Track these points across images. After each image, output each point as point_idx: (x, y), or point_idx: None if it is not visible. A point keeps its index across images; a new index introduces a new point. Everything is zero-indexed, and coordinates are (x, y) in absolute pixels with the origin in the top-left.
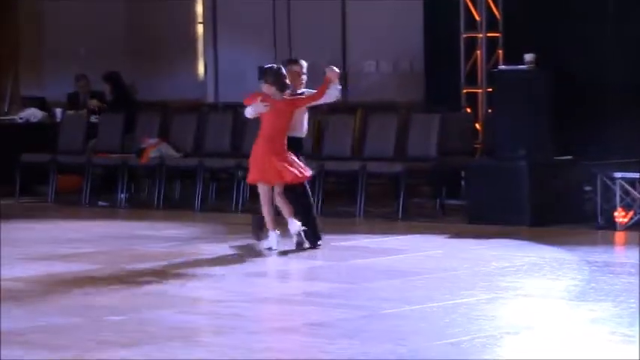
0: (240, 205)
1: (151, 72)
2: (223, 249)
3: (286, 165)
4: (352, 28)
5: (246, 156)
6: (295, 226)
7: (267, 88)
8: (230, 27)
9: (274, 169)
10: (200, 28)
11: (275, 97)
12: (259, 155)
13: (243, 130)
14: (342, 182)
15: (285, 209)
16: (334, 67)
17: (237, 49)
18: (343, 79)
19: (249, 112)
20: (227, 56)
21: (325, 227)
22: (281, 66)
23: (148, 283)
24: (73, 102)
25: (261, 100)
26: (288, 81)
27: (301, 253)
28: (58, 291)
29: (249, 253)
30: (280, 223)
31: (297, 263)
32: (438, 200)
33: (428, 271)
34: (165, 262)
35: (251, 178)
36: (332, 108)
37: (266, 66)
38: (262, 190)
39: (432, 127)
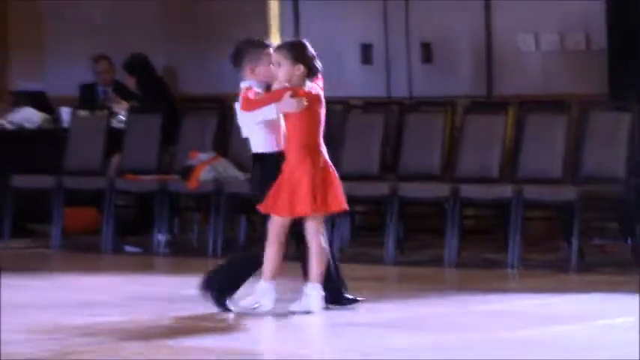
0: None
1: (202, 56)
2: (308, 318)
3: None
4: None
5: (343, 177)
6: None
7: (298, 71)
8: None
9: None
10: None
11: (310, 89)
12: (319, 177)
13: (340, 137)
14: (485, 216)
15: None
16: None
17: (329, 22)
18: (486, 61)
19: (270, 113)
20: (314, 33)
21: (463, 282)
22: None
23: None
24: (87, 98)
25: (293, 96)
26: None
27: (420, 323)
28: None
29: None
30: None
31: (421, 336)
32: (629, 241)
33: (616, 348)
34: (224, 337)
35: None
36: (469, 107)
37: (288, 41)
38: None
39: (619, 132)
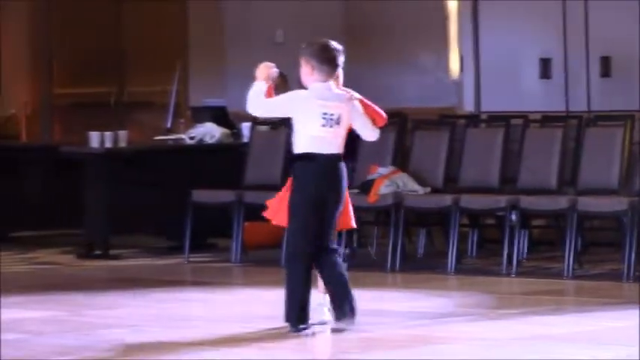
0: (514, 263)
1: (380, 70)
2: (488, 330)
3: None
4: None
5: (522, 191)
6: None
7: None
8: (498, 2)
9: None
10: (453, 2)
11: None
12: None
13: (517, 154)
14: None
15: None
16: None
17: (508, 36)
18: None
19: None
20: (493, 48)
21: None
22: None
23: None
24: None
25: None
26: None
27: (598, 337)
28: None
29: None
30: None
31: (599, 350)
32: None
33: None
34: (404, 350)
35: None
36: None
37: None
38: None
39: None
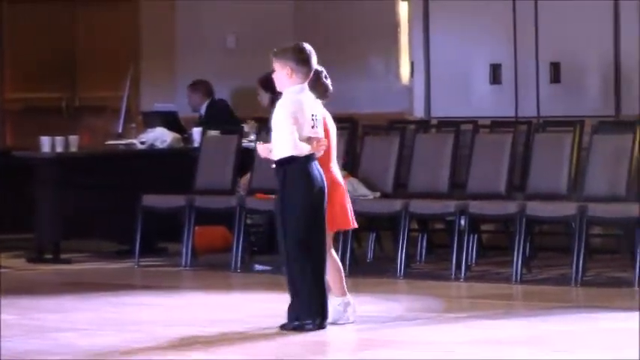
0: (463, 268)
1: (335, 76)
2: (437, 334)
3: None
4: (626, 8)
5: (471, 196)
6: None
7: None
8: (449, 8)
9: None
10: (404, 7)
11: None
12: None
13: (467, 159)
14: (612, 234)
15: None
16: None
17: (459, 43)
18: (614, 81)
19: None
20: (444, 54)
21: (589, 301)
22: None
23: None
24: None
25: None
26: None
27: (545, 340)
28: None
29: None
30: None
31: (546, 354)
32: None
33: None
34: (353, 354)
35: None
36: (596, 127)
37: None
38: None
39: None
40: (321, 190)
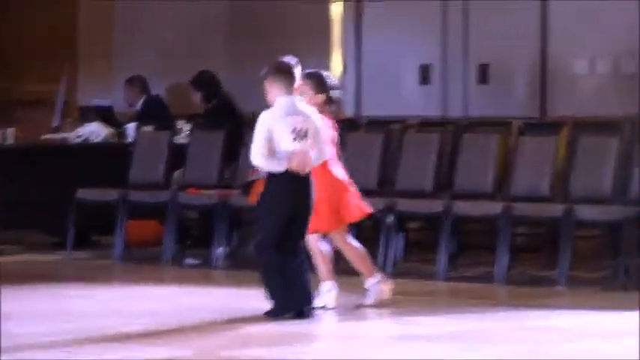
0: (390, 265)
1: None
2: (358, 329)
3: None
4: (555, 13)
5: (399, 194)
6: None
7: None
8: (381, 9)
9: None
10: (337, 8)
11: None
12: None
13: (395, 157)
14: (536, 233)
15: None
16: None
17: (388, 43)
18: (540, 84)
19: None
20: (374, 53)
21: (513, 298)
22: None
23: None
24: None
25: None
26: None
27: (469, 337)
28: None
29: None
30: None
31: (470, 350)
32: None
33: None
34: (278, 347)
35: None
36: (523, 128)
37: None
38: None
39: None
40: (297, 204)
